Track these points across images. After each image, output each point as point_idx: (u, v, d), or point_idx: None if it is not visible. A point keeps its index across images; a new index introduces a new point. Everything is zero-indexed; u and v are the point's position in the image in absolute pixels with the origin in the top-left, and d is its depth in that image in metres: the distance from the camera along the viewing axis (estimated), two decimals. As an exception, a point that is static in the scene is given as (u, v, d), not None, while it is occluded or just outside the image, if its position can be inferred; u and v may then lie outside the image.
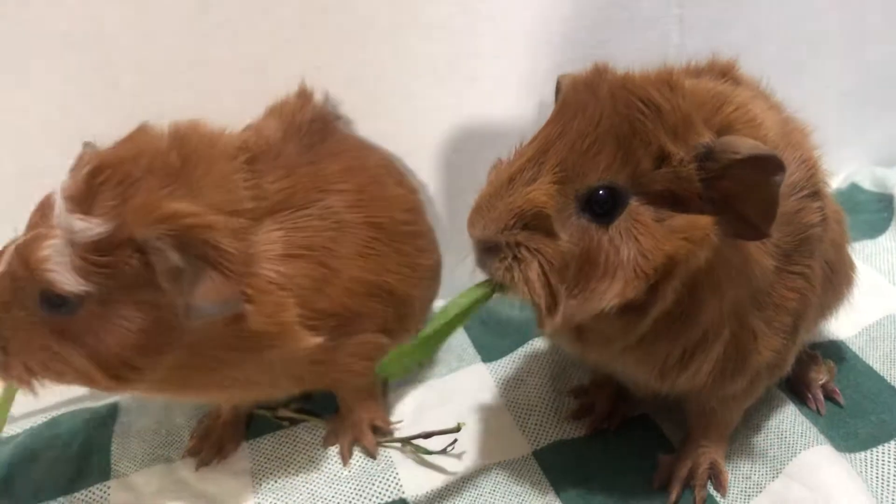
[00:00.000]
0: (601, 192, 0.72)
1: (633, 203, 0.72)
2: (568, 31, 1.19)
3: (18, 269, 0.79)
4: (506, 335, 1.17)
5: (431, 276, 1.08)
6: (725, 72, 0.89)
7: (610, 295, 0.71)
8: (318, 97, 1.05)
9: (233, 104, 1.07)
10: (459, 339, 1.16)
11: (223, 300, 0.80)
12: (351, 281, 0.92)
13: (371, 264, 0.94)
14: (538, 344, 1.15)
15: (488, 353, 1.15)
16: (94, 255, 0.77)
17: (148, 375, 0.83)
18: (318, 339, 0.89)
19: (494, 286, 0.76)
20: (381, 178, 1.02)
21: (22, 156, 1.09)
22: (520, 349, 1.15)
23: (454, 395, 1.08)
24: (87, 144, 0.87)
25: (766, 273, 0.80)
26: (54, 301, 0.79)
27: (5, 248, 0.82)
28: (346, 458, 1.00)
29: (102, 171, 0.80)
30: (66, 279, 0.77)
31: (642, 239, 0.71)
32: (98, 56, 1.07)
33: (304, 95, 1.03)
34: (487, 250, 0.74)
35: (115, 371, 0.81)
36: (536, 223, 0.71)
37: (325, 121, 1.02)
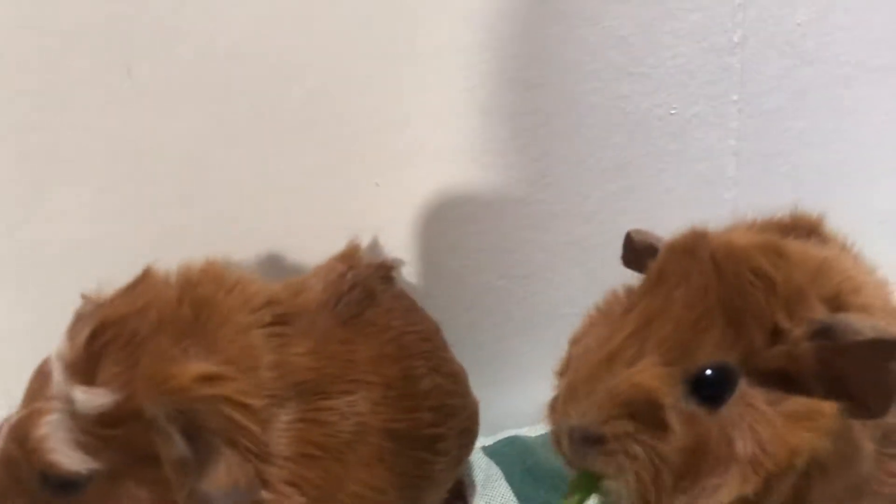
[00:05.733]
0: (712, 373, 0.65)
1: (743, 384, 0.65)
2: (621, 160, 1.16)
3: (14, 452, 0.69)
4: (548, 486, 1.08)
5: (450, 475, 0.96)
6: (812, 229, 0.83)
7: (724, 493, 0.63)
8: (364, 254, 0.91)
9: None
10: (501, 490, 1.08)
11: (237, 485, 0.68)
12: (352, 496, 0.79)
13: (378, 478, 0.82)
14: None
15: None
16: (100, 430, 0.67)
17: None
18: None
19: (598, 478, 0.68)
20: (414, 370, 0.88)
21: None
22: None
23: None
24: (85, 297, 0.77)
25: (868, 458, 0.72)
26: (57, 483, 0.68)
27: None
28: None
29: (105, 330, 0.70)
30: (70, 458, 0.67)
31: (760, 428, 0.64)
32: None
33: (348, 257, 0.89)
34: (585, 440, 0.66)
35: None
36: (645, 412, 0.64)
37: (368, 289, 0.88)
